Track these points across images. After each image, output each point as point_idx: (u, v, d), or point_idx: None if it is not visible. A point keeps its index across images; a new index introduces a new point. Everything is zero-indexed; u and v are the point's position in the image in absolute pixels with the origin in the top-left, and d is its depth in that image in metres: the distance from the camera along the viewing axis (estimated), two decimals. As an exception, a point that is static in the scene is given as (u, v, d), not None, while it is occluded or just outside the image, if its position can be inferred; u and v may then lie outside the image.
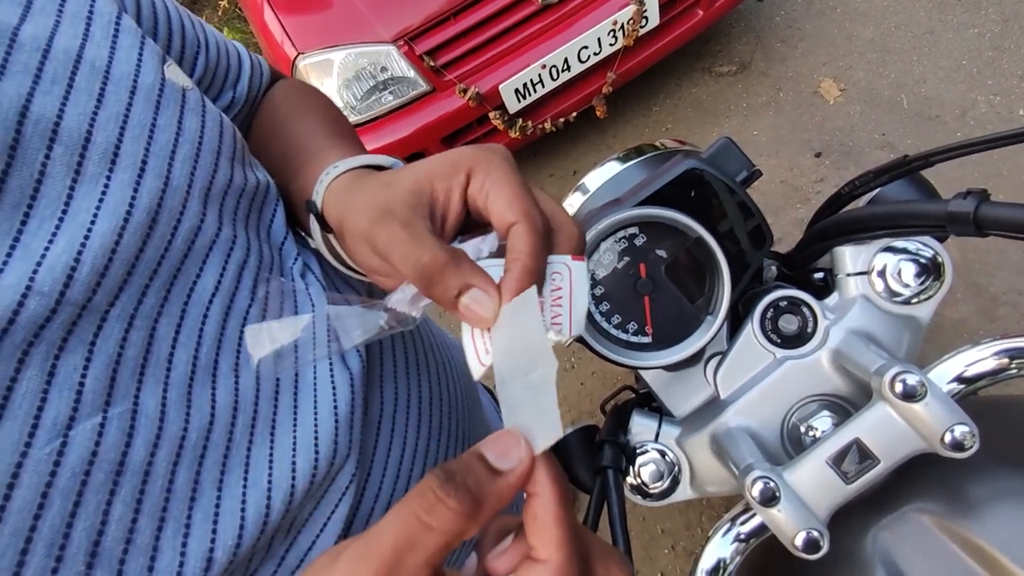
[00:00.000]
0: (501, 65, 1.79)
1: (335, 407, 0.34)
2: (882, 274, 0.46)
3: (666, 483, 0.49)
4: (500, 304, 0.26)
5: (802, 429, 0.45)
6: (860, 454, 0.38)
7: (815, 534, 0.37)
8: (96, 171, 0.26)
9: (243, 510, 0.29)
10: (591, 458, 0.51)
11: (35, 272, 0.23)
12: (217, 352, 0.30)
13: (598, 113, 2.00)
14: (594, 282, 0.48)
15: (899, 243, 0.46)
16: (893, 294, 0.46)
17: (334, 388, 0.35)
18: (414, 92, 1.81)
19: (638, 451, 0.50)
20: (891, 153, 1.80)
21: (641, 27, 1.82)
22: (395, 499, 0.38)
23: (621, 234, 0.47)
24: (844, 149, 1.92)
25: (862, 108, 1.98)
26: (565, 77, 1.85)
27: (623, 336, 0.48)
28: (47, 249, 0.24)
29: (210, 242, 0.31)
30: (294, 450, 0.32)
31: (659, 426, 0.50)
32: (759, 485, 0.39)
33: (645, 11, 1.79)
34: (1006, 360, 0.38)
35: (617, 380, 1.65)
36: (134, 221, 0.27)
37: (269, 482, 0.30)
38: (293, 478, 0.31)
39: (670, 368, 0.54)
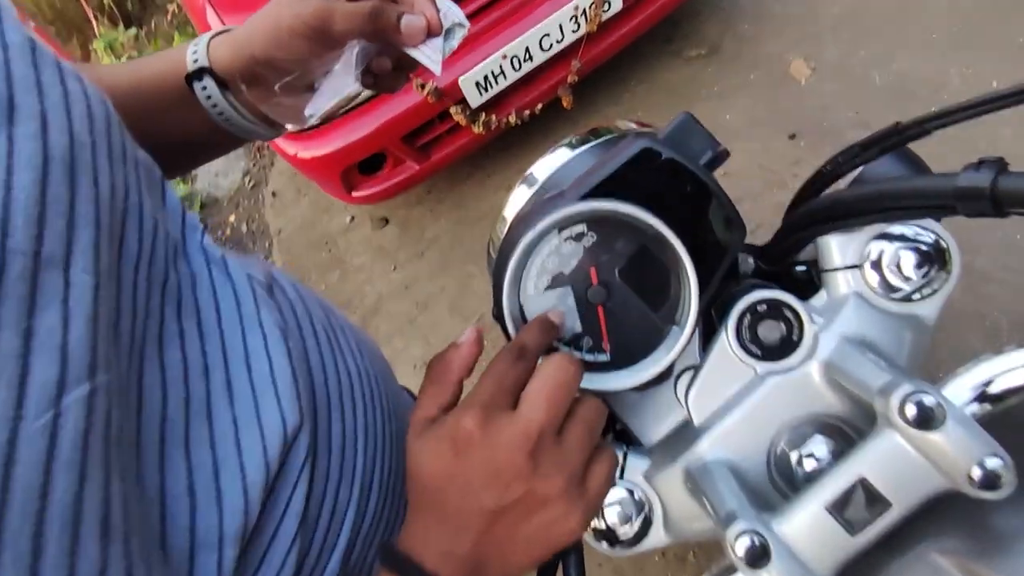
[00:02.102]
0: (459, 57, 1.70)
1: (272, 378, 0.34)
2: (877, 266, 0.38)
3: (636, 526, 0.41)
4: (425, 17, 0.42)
5: (793, 459, 0.37)
6: (867, 497, 0.31)
7: (816, 601, 0.30)
8: None
9: (192, 495, 0.28)
10: None
11: None
12: (143, 330, 0.29)
13: (564, 104, 1.91)
14: (539, 291, 0.40)
15: (894, 228, 0.38)
16: (891, 289, 0.38)
17: (270, 359, 0.34)
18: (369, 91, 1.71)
19: (601, 490, 0.42)
20: (866, 131, 1.73)
21: (604, 11, 1.74)
22: (343, 480, 0.38)
23: (565, 234, 0.39)
24: (819, 129, 1.86)
25: (834, 87, 1.93)
26: (528, 67, 1.76)
27: (576, 355, 0.40)
28: None
29: (124, 205, 0.29)
30: (235, 427, 0.31)
31: (624, 459, 0.42)
32: (744, 541, 0.31)
33: (607, -6, 1.72)
34: None
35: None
36: (54, 171, 0.25)
37: (215, 464, 0.30)
38: (241, 461, 0.31)
39: (636, 388, 0.46)
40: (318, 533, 0.35)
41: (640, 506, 0.42)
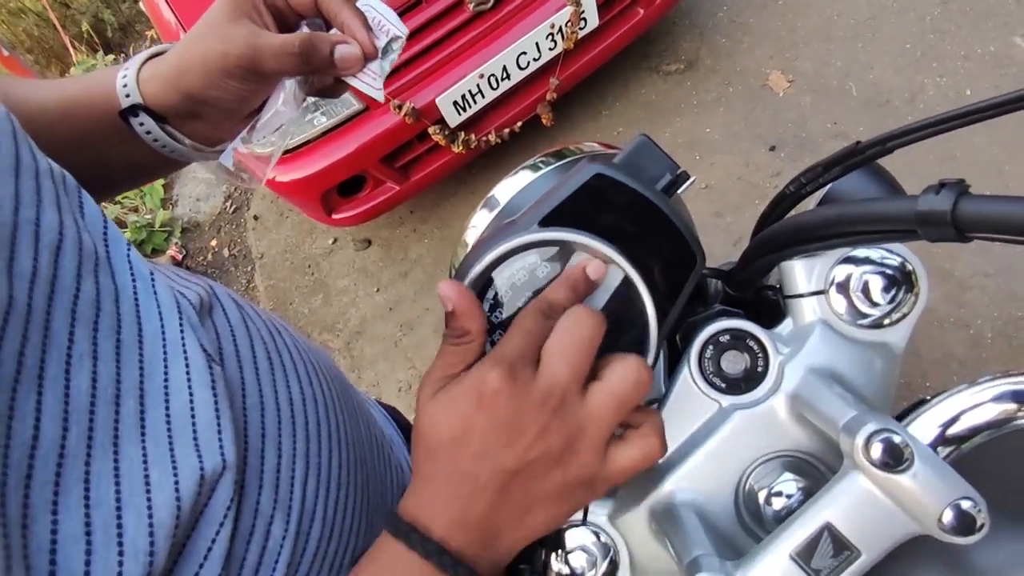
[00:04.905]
0: (437, 77, 1.70)
1: (192, 414, 0.31)
2: (843, 291, 0.37)
3: (602, 570, 0.39)
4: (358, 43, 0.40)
5: (761, 498, 0.35)
6: (834, 545, 0.29)
7: (784, 658, 0.27)
8: None
9: (88, 535, 0.25)
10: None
11: None
12: (43, 352, 0.26)
13: (544, 121, 1.91)
14: (492, 326, 0.38)
15: (859, 251, 0.36)
16: (859, 315, 0.36)
17: (191, 393, 0.32)
18: (347, 112, 1.70)
19: (565, 533, 0.39)
20: (844, 142, 1.75)
21: (580, 29, 1.75)
22: (277, 515, 0.35)
23: (519, 265, 0.37)
24: (798, 141, 1.87)
25: (812, 98, 1.94)
26: (506, 86, 1.76)
27: None
28: None
29: (13, 219, 0.27)
30: (145, 463, 0.28)
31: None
32: (706, 593, 0.29)
33: (583, 12, 1.72)
34: (1013, 406, 0.29)
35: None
36: None
37: (118, 502, 0.27)
38: (149, 498, 0.28)
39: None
40: (245, 572, 0.33)
41: (606, 549, 0.39)
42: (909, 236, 0.30)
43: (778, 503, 0.34)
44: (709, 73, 2.14)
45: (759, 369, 0.37)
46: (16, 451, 0.24)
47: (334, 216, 1.93)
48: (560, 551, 0.40)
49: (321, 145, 1.74)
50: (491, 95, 1.76)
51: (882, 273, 0.36)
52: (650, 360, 0.36)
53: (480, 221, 0.56)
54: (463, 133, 1.80)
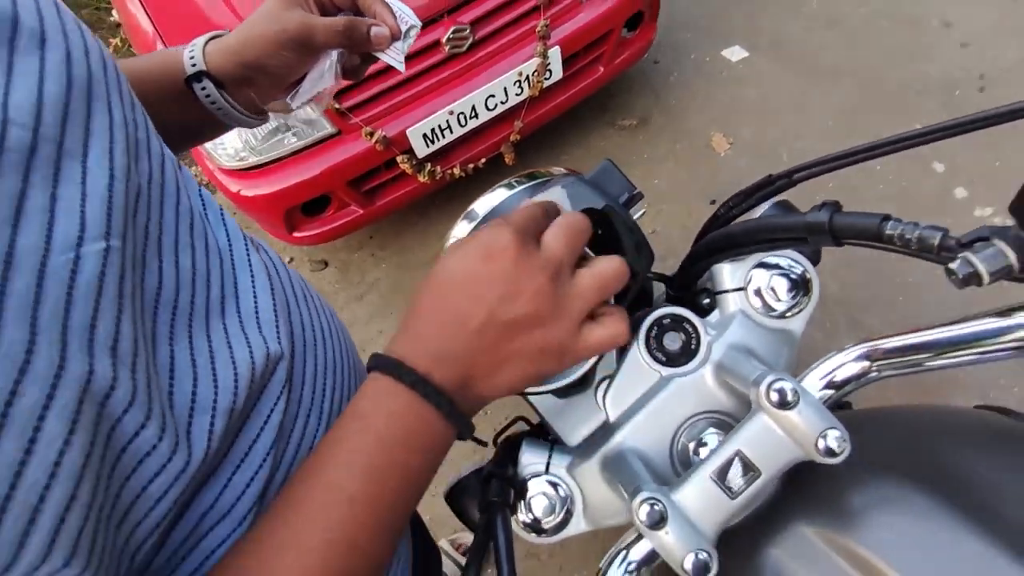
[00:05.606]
0: (409, 110, 1.80)
1: (256, 312, 0.39)
2: (758, 291, 0.47)
3: (559, 516, 0.46)
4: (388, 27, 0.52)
5: (691, 448, 0.44)
6: (743, 467, 0.37)
7: (704, 556, 0.35)
8: (29, 47, 0.28)
9: (194, 368, 0.33)
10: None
11: (6, 107, 0.25)
12: (160, 232, 0.34)
13: (507, 160, 2.04)
14: None
15: (772, 260, 0.47)
16: (769, 308, 0.46)
17: (255, 296, 0.40)
18: (319, 134, 1.77)
19: (529, 482, 0.47)
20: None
21: (546, 79, 1.90)
22: (313, 410, 0.42)
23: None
24: (735, 197, 2.06)
25: (748, 160, 2.15)
26: (473, 124, 1.88)
27: None
28: (7, 96, 0.26)
29: (135, 136, 0.33)
30: (227, 335, 0.36)
31: (550, 456, 0.47)
32: (646, 508, 0.37)
33: (549, 64, 1.87)
34: (867, 363, 0.39)
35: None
36: (75, 93, 0.29)
37: (211, 353, 0.35)
38: (233, 358, 0.36)
39: (560, 393, 0.52)
40: (290, 448, 0.39)
41: (563, 499, 0.47)
42: (802, 243, 0.41)
43: (703, 452, 0.43)
44: (660, 130, 2.34)
45: (693, 347, 0.46)
46: (147, 293, 0.31)
47: (295, 234, 1.96)
48: (524, 501, 0.47)
49: (290, 164, 1.79)
50: (459, 131, 1.87)
51: (787, 277, 0.46)
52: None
53: (460, 232, 0.64)
54: (430, 164, 1.89)
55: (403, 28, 0.54)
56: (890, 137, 0.39)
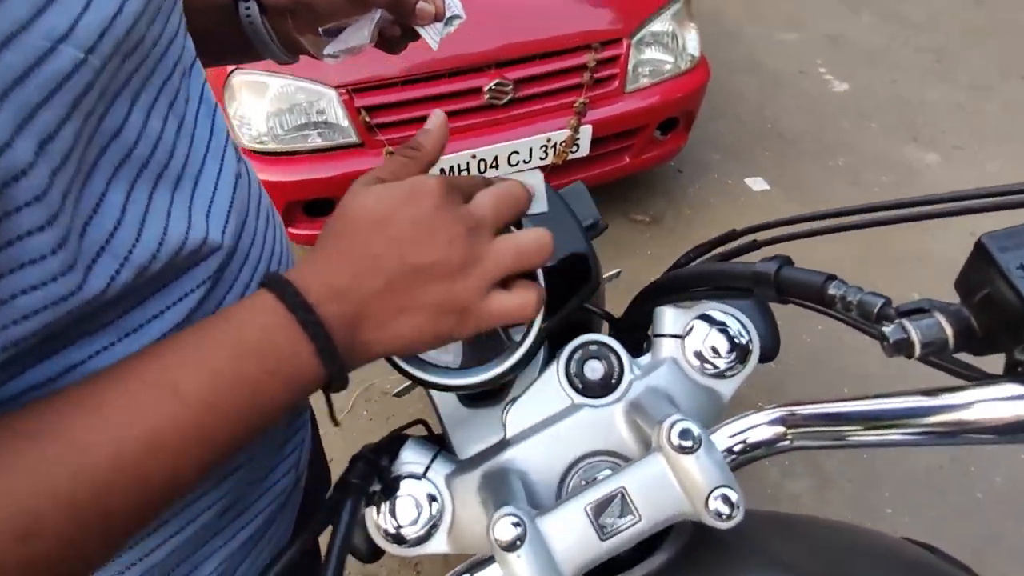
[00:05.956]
0: (434, 143, 1.83)
1: (211, 201, 0.39)
2: (696, 342, 0.44)
3: (422, 530, 0.41)
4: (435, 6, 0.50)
5: (582, 485, 0.39)
6: (622, 507, 0.33)
7: (552, 595, 0.31)
8: None
9: (123, 214, 0.32)
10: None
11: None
12: (142, 88, 0.34)
13: (515, 217, 2.06)
14: None
15: (718, 315, 0.44)
16: (703, 362, 0.43)
17: (216, 187, 0.40)
18: (342, 141, 1.80)
19: (401, 482, 0.42)
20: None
21: (572, 151, 1.95)
22: (251, 287, 0.43)
23: None
24: (725, 313, 2.06)
25: (746, 283, 2.17)
26: (491, 173, 1.91)
27: (432, 353, 0.42)
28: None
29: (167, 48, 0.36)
30: (170, 204, 0.35)
31: (432, 460, 0.43)
32: (505, 523, 0.32)
33: (578, 139, 1.93)
34: (781, 429, 0.36)
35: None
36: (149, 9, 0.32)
37: (146, 212, 0.33)
38: (166, 228, 0.34)
39: (468, 401, 0.48)
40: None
41: (432, 511, 0.42)
42: (748, 293, 0.38)
43: (593, 493, 0.39)
44: (669, 232, 2.38)
45: (613, 381, 0.42)
46: (104, 129, 0.31)
47: (290, 229, 1.95)
48: (389, 501, 0.42)
49: (306, 160, 1.81)
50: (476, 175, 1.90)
51: (728, 338, 0.44)
52: (523, 348, 0.41)
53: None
54: (440, 199, 1.91)
55: (448, 14, 0.55)
56: (859, 205, 0.38)
